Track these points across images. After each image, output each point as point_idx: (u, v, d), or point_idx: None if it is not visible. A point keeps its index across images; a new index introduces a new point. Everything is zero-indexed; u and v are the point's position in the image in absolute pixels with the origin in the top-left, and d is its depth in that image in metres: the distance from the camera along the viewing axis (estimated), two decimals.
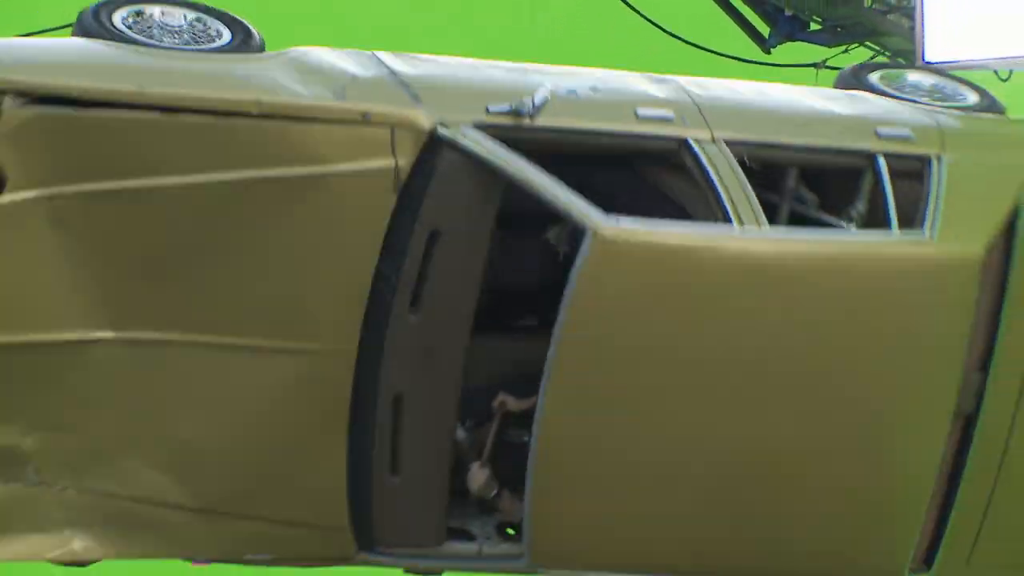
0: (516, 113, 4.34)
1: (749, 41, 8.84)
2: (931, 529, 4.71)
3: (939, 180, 4.53)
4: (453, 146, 4.24)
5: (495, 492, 4.56)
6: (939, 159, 4.59)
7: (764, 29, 8.80)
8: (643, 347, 4.26)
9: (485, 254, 4.35)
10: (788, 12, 8.67)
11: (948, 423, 4.51)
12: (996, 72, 7.72)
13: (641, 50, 9.14)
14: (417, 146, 4.20)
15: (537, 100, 4.39)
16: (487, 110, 4.29)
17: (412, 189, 4.23)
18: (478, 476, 4.54)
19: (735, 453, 4.35)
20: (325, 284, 4.25)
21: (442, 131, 4.19)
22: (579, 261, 4.16)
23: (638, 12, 8.20)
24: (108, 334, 4.22)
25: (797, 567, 4.57)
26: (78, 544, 4.31)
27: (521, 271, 4.79)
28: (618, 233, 4.20)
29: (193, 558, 4.55)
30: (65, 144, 4.09)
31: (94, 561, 4.46)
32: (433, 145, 4.21)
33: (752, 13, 8.73)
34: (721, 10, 8.67)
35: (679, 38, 8.29)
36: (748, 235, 4.31)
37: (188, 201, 4.17)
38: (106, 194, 4.18)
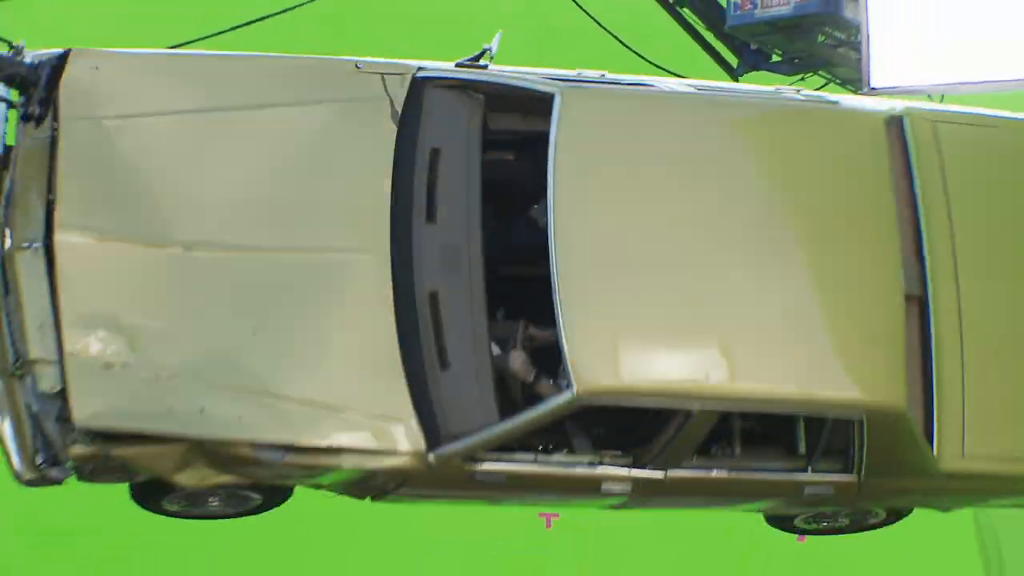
0: (478, 60, 5.30)
1: (720, 70, 9.58)
2: (923, 425, 5.28)
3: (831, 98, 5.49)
4: (434, 82, 5.18)
5: (534, 375, 4.98)
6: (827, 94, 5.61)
7: (732, 60, 9.55)
8: (621, 171, 5.03)
9: (480, 163, 5.14)
10: (753, 46, 9.41)
11: (897, 244, 5.14)
12: (930, 96, 8.48)
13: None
14: (404, 86, 5.15)
15: (494, 43, 5.35)
16: (455, 65, 5.27)
17: (408, 119, 5.11)
18: (516, 358, 5.01)
19: (726, 275, 4.97)
20: (352, 199, 5.03)
21: (422, 73, 5.17)
22: (554, 117, 4.97)
23: (621, 41, 9.04)
24: (176, 250, 4.87)
25: (802, 393, 5.06)
26: (185, 423, 4.69)
27: (512, 242, 5.41)
28: (578, 90, 5.14)
29: (281, 450, 4.73)
30: (134, 81, 5.03)
31: (199, 441, 4.69)
32: (417, 84, 5.15)
33: (723, 46, 9.50)
34: (696, 43, 9.47)
35: (658, 66, 8.97)
36: (684, 88, 5.32)
37: (236, 129, 5.04)
38: (165, 121, 5.01)
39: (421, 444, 4.81)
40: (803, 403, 5.16)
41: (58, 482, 4.87)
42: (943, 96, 8.53)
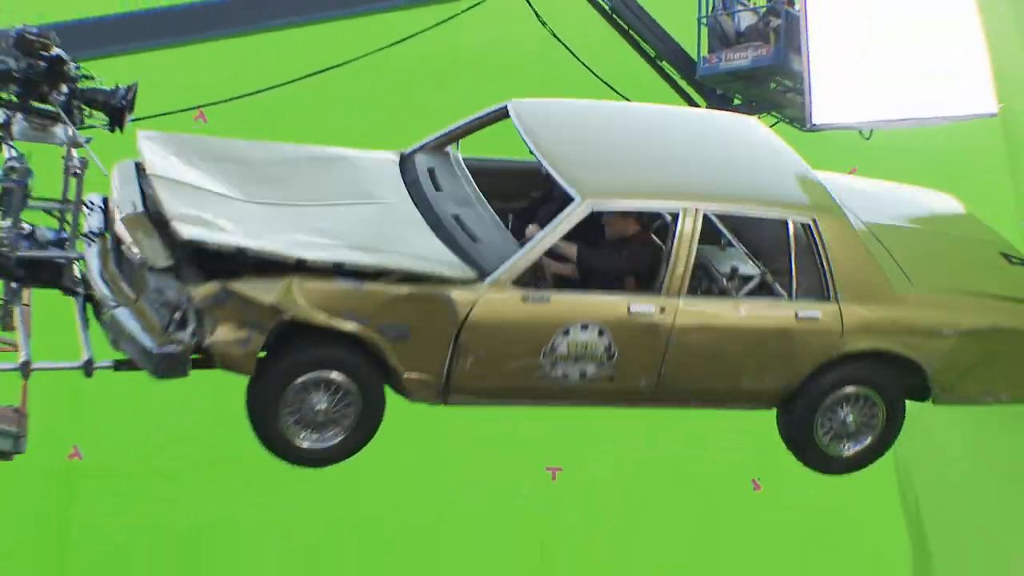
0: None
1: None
2: None
3: None
4: (416, 151, 6.49)
5: None
6: None
7: (702, 102, 10.78)
8: (566, 123, 6.37)
9: (465, 168, 6.38)
10: (719, 92, 10.75)
11: None
12: (861, 132, 9.98)
13: None
14: (399, 156, 6.45)
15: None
16: None
17: (406, 165, 6.39)
18: (532, 229, 5.90)
19: None
20: (381, 183, 6.19)
21: (406, 152, 6.45)
22: (512, 113, 6.24)
23: (608, 84, 10.48)
24: (242, 196, 5.79)
25: (761, 200, 6.10)
26: (280, 247, 5.34)
27: None
28: (523, 100, 6.38)
29: (359, 279, 5.36)
30: (199, 149, 6.16)
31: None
32: (404, 157, 6.45)
33: (694, 91, 10.81)
34: (673, 90, 10.77)
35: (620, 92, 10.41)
36: None
37: (281, 165, 6.18)
38: (226, 163, 6.03)
39: (474, 274, 5.58)
40: (763, 204, 6.08)
41: (186, 356, 5.29)
42: (871, 132, 9.99)
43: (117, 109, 5.85)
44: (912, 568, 9.86)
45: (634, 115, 6.95)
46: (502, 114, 6.45)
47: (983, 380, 6.45)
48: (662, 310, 5.82)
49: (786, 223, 6.02)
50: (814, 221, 6.03)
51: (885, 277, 6.21)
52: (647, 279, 5.96)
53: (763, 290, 6.11)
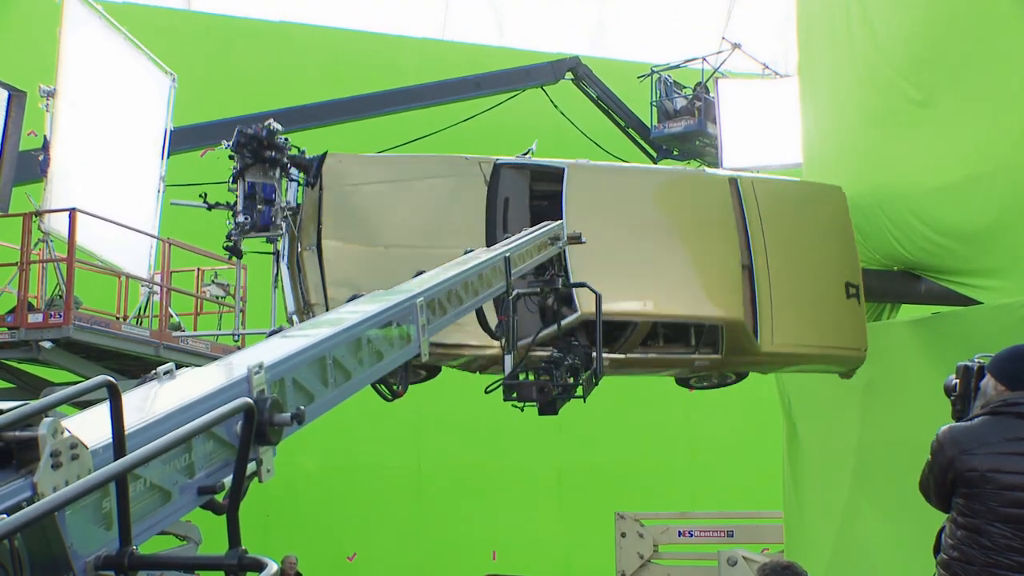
0: (526, 155, 8.92)
1: (647, 159, 14.98)
2: (751, 328, 8.34)
3: None
4: (504, 166, 8.55)
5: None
6: None
7: (653, 153, 15.07)
8: (598, 205, 8.38)
9: (528, 204, 8.43)
10: (665, 147, 14.93)
11: (736, 238, 8.56)
12: (754, 170, 12.86)
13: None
14: (489, 167, 8.56)
15: (534, 146, 9.17)
16: (515, 157, 8.94)
17: (491, 184, 8.44)
18: None
19: None
20: (464, 222, 8.53)
21: (499, 160, 8.77)
22: (564, 180, 8.34)
23: (596, 143, 14.13)
24: (382, 248, 7.96)
25: (693, 312, 8.34)
26: None
27: None
28: (575, 165, 8.61)
29: None
30: (356, 167, 9.61)
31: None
32: (496, 167, 8.59)
33: (648, 147, 14.94)
34: (635, 146, 14.83)
35: (620, 158, 13.76)
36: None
37: (408, 190, 8.76)
38: (370, 186, 9.44)
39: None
40: (693, 317, 8.24)
41: None
42: (759, 170, 13.03)
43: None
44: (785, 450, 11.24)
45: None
46: (559, 171, 8.61)
47: None
48: (623, 360, 8.69)
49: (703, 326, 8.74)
50: (722, 328, 8.66)
51: (755, 342, 8.52)
52: None
53: None
